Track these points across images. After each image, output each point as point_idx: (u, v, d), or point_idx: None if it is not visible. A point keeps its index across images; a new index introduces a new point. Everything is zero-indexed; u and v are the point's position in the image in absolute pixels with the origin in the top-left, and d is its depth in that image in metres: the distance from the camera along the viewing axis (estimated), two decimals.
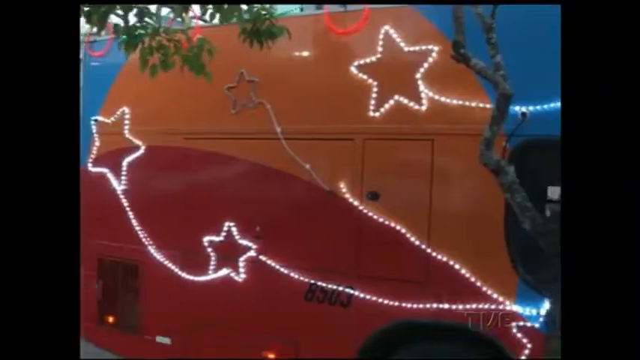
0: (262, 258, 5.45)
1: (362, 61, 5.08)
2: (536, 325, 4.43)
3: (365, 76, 5.05)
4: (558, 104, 4.41)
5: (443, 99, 4.76)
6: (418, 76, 4.85)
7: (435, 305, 4.75)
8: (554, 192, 4.34)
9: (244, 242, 5.53)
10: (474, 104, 4.65)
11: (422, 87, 4.83)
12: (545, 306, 4.34)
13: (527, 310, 4.50)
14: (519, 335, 4.52)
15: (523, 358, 4.50)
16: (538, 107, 4.49)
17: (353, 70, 5.11)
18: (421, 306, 4.79)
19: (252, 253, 5.50)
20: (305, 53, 5.48)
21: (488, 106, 4.41)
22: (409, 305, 4.82)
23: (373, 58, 5.05)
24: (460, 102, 4.71)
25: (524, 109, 4.47)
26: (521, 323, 4.52)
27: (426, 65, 4.84)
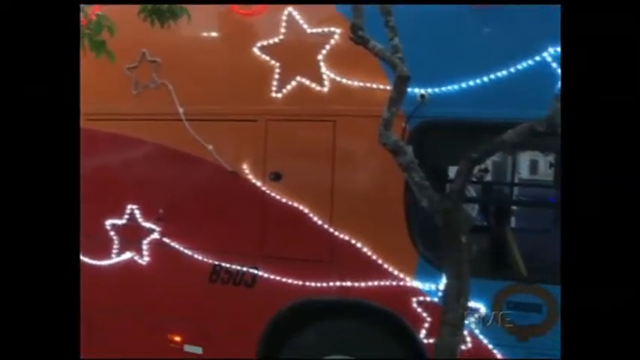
0: (166, 240, 5.40)
1: (265, 42, 5.08)
2: (436, 300, 4.59)
3: (268, 58, 5.06)
4: (456, 86, 4.58)
5: (344, 81, 4.83)
6: (320, 57, 4.89)
7: (338, 283, 4.84)
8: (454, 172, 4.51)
9: (147, 225, 5.47)
10: (374, 86, 4.73)
11: (324, 68, 4.88)
12: (443, 281, 4.52)
13: (426, 286, 4.66)
14: (419, 310, 4.68)
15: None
16: (437, 89, 4.61)
17: (256, 51, 5.10)
18: (325, 284, 4.87)
19: (155, 236, 5.44)
20: (208, 34, 5.43)
21: (388, 87, 4.50)
22: (313, 284, 4.90)
23: (276, 40, 5.06)
24: (361, 84, 4.78)
25: (423, 90, 4.59)
26: (421, 298, 4.67)
27: (327, 47, 4.89)
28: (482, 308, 4.57)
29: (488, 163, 8.58)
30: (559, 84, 3.55)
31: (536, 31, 4.51)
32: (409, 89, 4.15)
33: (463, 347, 4.51)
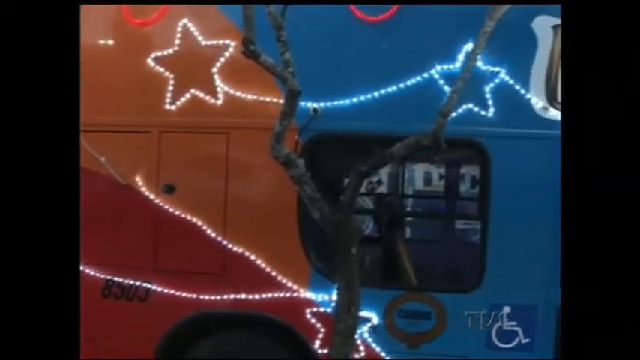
0: None
1: (159, 53, 5.04)
2: (329, 310, 4.65)
3: (162, 69, 5.02)
4: (348, 100, 4.69)
5: (238, 93, 4.85)
6: (215, 70, 4.89)
7: (232, 296, 4.84)
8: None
9: None
10: (268, 99, 4.77)
11: (218, 81, 4.88)
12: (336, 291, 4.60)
13: (319, 297, 4.73)
14: (313, 320, 4.74)
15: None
16: (329, 103, 4.70)
17: (150, 62, 5.05)
18: (219, 297, 4.86)
19: None
20: (102, 43, 5.32)
21: (281, 101, 4.53)
22: (207, 297, 4.87)
23: (170, 51, 5.02)
24: (255, 97, 4.82)
25: (315, 104, 4.67)
26: (315, 309, 4.74)
27: (222, 60, 4.89)
28: (375, 317, 4.68)
29: (382, 175, 8.79)
30: (444, 100, 3.72)
31: (426, 49, 4.69)
32: (302, 102, 4.24)
33: (356, 356, 4.61)
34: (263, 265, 4.79)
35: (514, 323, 4.63)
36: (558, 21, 4.54)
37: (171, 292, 4.93)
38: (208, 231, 4.87)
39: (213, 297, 4.86)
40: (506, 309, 4.64)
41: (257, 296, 4.79)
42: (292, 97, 3.67)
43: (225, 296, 4.84)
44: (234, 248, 4.83)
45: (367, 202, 7.72)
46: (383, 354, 4.72)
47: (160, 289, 4.96)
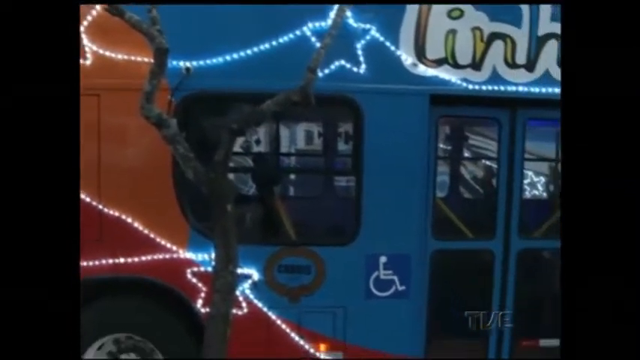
0: None
1: None
2: (209, 269, 4.66)
3: None
4: (221, 59, 4.66)
5: (108, 53, 4.71)
6: (82, 29, 4.71)
7: (111, 261, 4.76)
8: None
9: None
10: (139, 59, 4.64)
11: (86, 40, 4.70)
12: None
13: (199, 256, 4.75)
14: (194, 280, 4.77)
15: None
16: (202, 62, 4.65)
17: None
18: (97, 263, 4.76)
19: None
20: None
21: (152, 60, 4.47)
22: (85, 263, 4.75)
23: None
24: (125, 57, 4.69)
25: (188, 63, 4.61)
26: (195, 269, 4.76)
27: (89, 18, 4.71)
28: (255, 273, 4.74)
29: (262, 133, 8.81)
30: (313, 56, 3.78)
31: (297, 6, 4.71)
32: (175, 62, 4.19)
33: (239, 313, 4.67)
34: (141, 228, 4.73)
35: (390, 272, 4.84)
36: None
37: None
38: (82, 196, 4.73)
39: (91, 263, 4.75)
40: (383, 259, 4.83)
41: (136, 260, 4.74)
42: (160, 55, 3.61)
43: (104, 261, 4.76)
44: (111, 212, 4.73)
45: (248, 161, 7.74)
46: (265, 309, 4.81)
47: None
